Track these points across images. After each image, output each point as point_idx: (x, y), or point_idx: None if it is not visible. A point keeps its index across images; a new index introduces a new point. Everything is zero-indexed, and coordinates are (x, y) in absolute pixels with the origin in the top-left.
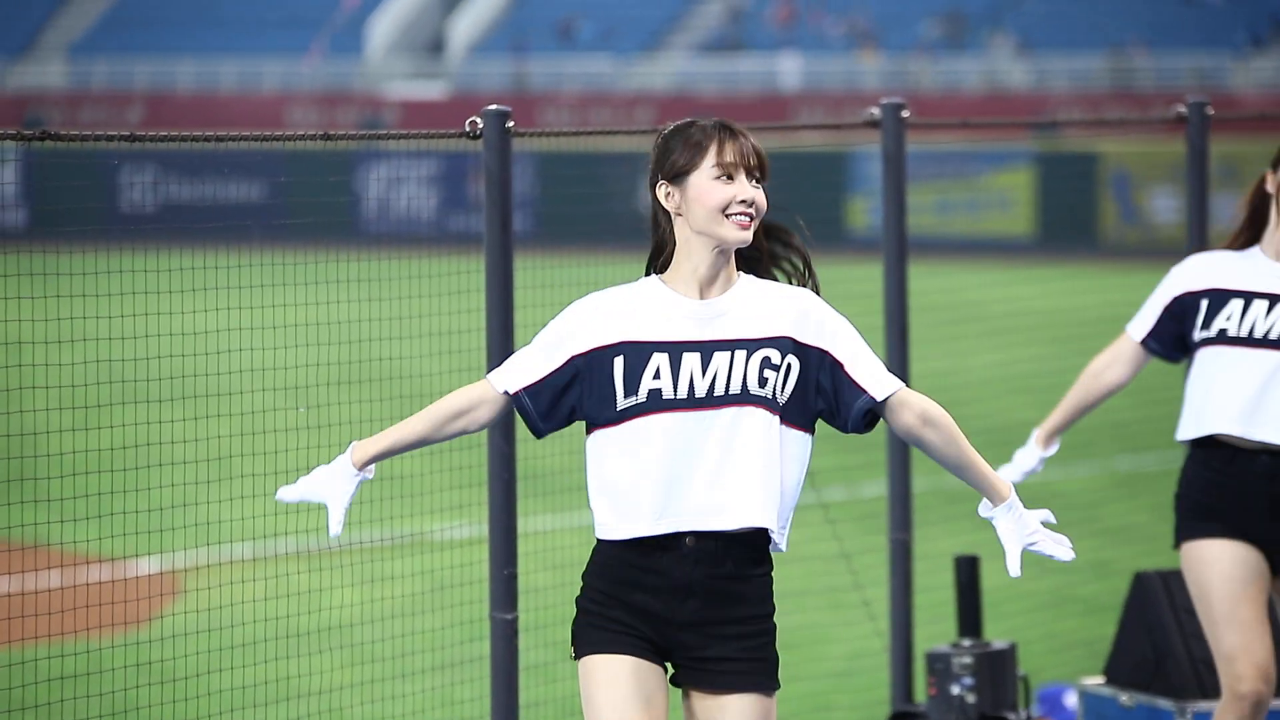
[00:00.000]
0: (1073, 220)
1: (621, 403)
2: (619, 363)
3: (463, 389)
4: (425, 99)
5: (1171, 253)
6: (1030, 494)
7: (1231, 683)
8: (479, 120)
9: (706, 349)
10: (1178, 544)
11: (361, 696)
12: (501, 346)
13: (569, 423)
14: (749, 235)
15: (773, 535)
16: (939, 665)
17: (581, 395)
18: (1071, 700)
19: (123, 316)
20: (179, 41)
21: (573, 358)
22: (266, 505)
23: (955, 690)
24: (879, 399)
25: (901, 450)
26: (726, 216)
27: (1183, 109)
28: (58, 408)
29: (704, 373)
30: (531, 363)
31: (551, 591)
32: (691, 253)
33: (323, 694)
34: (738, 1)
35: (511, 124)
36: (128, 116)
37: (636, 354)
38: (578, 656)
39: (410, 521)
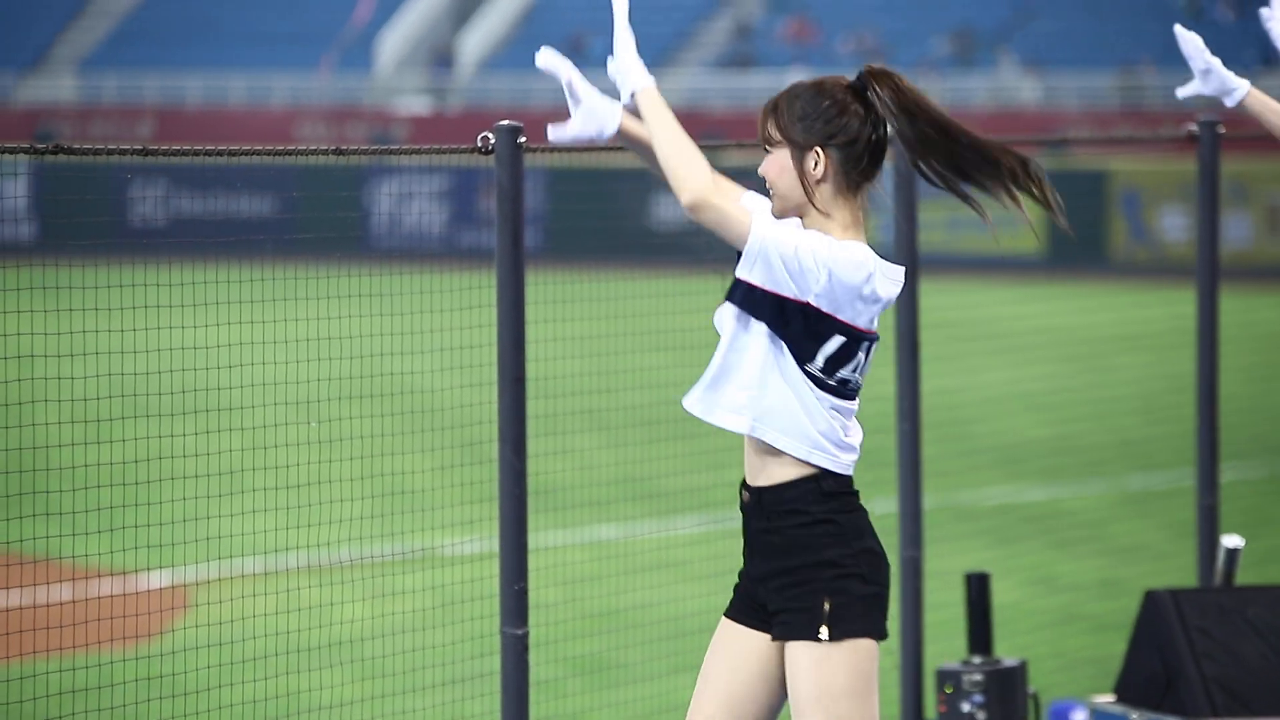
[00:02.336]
0: (1083, 239)
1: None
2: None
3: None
4: (435, 114)
5: (1181, 271)
6: (1038, 513)
7: None
8: (490, 135)
9: (872, 342)
10: None
11: (371, 712)
12: (513, 361)
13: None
14: None
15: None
16: (949, 682)
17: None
18: (1079, 718)
19: (133, 330)
20: (189, 56)
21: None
22: (276, 519)
23: (966, 708)
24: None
25: (913, 468)
26: None
27: (1194, 127)
28: (68, 421)
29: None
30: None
31: (562, 607)
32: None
33: (331, 709)
34: (747, 18)
35: (523, 139)
36: (138, 131)
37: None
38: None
39: (420, 536)
